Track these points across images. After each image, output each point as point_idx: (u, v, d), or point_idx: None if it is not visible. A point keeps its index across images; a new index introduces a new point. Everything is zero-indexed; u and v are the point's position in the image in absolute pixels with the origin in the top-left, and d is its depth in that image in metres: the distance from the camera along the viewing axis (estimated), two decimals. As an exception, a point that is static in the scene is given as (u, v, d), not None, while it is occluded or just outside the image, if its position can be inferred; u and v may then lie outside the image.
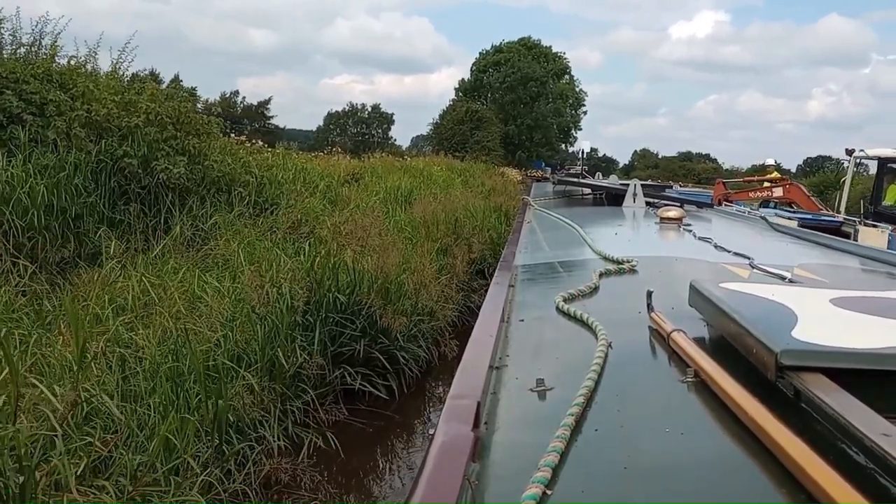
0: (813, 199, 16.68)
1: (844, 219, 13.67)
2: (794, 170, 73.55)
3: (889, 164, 14.41)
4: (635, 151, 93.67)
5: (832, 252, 5.32)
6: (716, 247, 4.72)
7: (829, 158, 78.66)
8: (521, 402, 1.79)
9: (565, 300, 2.79)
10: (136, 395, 4.84)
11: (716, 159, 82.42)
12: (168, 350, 5.29)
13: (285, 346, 6.05)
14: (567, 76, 65.25)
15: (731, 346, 1.91)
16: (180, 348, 5.24)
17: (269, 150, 15.92)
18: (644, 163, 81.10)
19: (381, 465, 6.31)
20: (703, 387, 1.73)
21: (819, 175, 42.05)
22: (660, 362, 2.12)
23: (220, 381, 5.08)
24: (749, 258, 4.05)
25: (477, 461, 1.40)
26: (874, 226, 12.35)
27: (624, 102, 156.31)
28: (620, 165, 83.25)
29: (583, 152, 22.27)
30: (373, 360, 7.02)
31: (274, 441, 5.33)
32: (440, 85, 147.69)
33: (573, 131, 67.22)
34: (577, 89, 66.18)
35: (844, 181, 15.41)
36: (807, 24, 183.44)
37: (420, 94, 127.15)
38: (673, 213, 6.41)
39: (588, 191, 11.17)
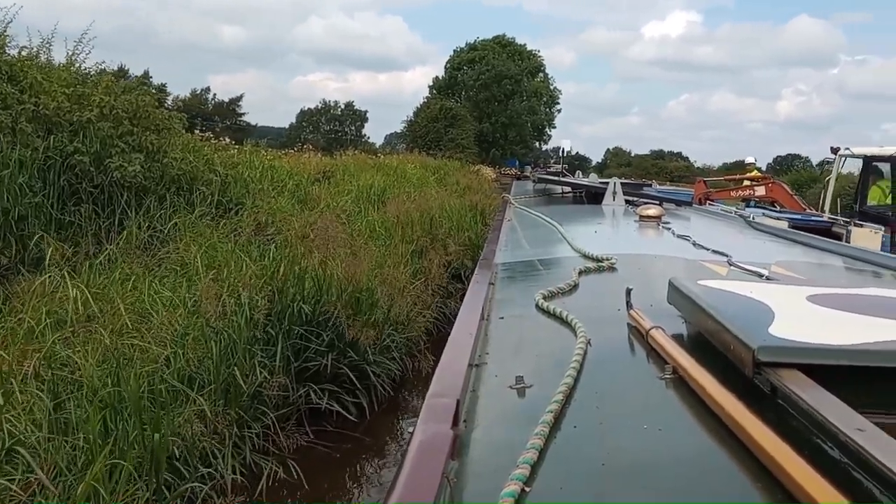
0: (796, 197, 16.18)
1: (831, 218, 13.30)
2: (764, 168, 74.12)
3: (874, 163, 14.05)
4: (608, 150, 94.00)
5: (809, 250, 5.37)
6: (694, 245, 4.74)
7: (799, 157, 79.61)
8: (501, 400, 1.78)
9: (545, 298, 2.79)
10: (70, 426, 4.25)
11: (687, 158, 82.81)
12: (108, 371, 4.70)
13: (243, 364, 5.47)
14: (541, 74, 65.04)
15: (709, 342, 1.92)
16: (121, 369, 4.66)
17: (237, 146, 15.26)
18: (617, 161, 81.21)
19: (349, 494, 5.75)
20: (682, 383, 1.74)
21: (792, 174, 42.11)
22: (638, 359, 2.13)
23: (162, 408, 4.50)
24: (727, 256, 4.06)
25: (456, 459, 1.39)
26: (866, 226, 11.96)
27: (597, 101, 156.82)
28: (594, 164, 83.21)
29: (563, 151, 21.91)
30: (341, 375, 6.46)
31: (228, 474, 4.76)
32: (414, 83, 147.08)
33: (547, 129, 67.14)
34: (552, 87, 66.03)
35: (829, 180, 15.01)
36: (777, 24, 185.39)
37: (394, 92, 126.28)
38: (652, 211, 6.39)
39: (568, 189, 11.07)
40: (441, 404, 1.58)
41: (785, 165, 72.48)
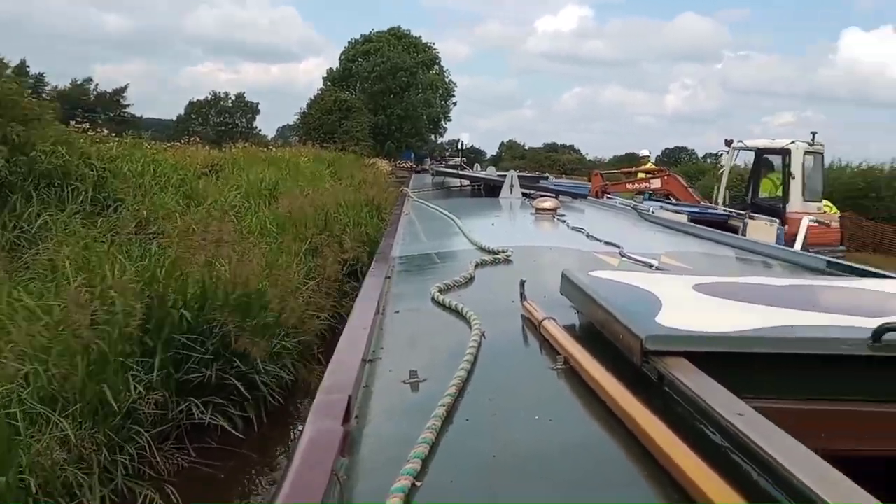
0: (690, 189, 16.11)
1: (726, 211, 13.57)
2: (654, 161, 76.45)
3: (766, 156, 14.38)
4: (503, 142, 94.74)
5: (697, 241, 5.50)
6: (588, 236, 4.80)
7: (686, 150, 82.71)
8: (394, 395, 1.77)
9: (441, 291, 2.78)
10: None
11: (580, 150, 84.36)
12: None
13: (115, 380, 4.96)
14: (437, 67, 65.08)
15: (599, 332, 1.94)
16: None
17: (117, 139, 14.34)
18: (511, 154, 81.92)
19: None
20: (573, 374, 1.76)
21: (680, 166, 43.56)
22: (532, 351, 2.13)
23: (17, 434, 3.97)
24: (619, 247, 4.12)
25: (346, 456, 1.37)
26: (760, 219, 12.25)
27: (492, 94, 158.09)
28: (488, 156, 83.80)
29: (461, 144, 21.94)
30: (227, 387, 6.00)
31: (95, 507, 4.27)
32: (308, 75, 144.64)
33: (443, 122, 67.32)
34: (447, 80, 66.18)
35: (722, 172, 15.18)
36: (664, 20, 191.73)
37: (287, 84, 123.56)
38: (548, 203, 6.45)
39: (467, 182, 11.09)
40: (332, 400, 1.55)
41: (673, 157, 75.10)
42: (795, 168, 13.21)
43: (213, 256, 6.89)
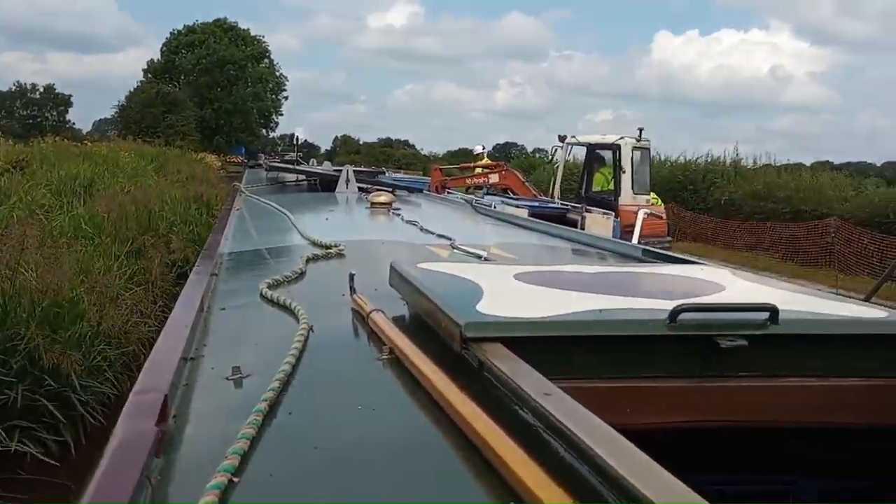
0: (527, 184, 16.49)
1: (563, 205, 14.00)
2: (485, 156, 78.40)
3: (597, 151, 14.96)
4: (337, 137, 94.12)
5: (526, 232, 5.70)
6: (421, 230, 4.86)
7: (516, 145, 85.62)
8: (216, 392, 1.73)
9: (270, 287, 2.72)
10: None
11: (414, 146, 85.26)
12: None
13: None
14: (267, 60, 63.41)
15: (425, 322, 1.97)
16: None
17: None
18: (346, 148, 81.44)
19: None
20: (398, 363, 1.78)
21: (512, 161, 44.70)
22: (359, 343, 2.15)
23: None
24: (451, 239, 4.18)
25: (161, 457, 1.30)
26: (597, 212, 12.68)
27: (324, 89, 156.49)
28: (322, 151, 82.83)
29: (296, 139, 21.39)
30: (38, 408, 5.29)
31: None
32: (127, 67, 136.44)
33: (274, 116, 65.77)
34: (278, 73, 64.65)
35: (558, 167, 15.79)
36: (492, 20, 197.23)
37: (104, 76, 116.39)
38: (383, 198, 6.49)
39: (303, 177, 10.92)
40: (146, 400, 1.49)
41: (504, 153, 77.35)
42: (625, 162, 13.87)
43: (15, 262, 6.09)
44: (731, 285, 2.38)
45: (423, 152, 74.49)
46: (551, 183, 16.03)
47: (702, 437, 1.93)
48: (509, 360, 1.55)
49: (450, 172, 18.53)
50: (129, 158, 20.41)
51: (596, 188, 14.70)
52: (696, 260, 3.89)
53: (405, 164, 50.75)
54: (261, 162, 16.81)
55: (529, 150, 70.44)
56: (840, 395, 1.85)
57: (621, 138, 14.15)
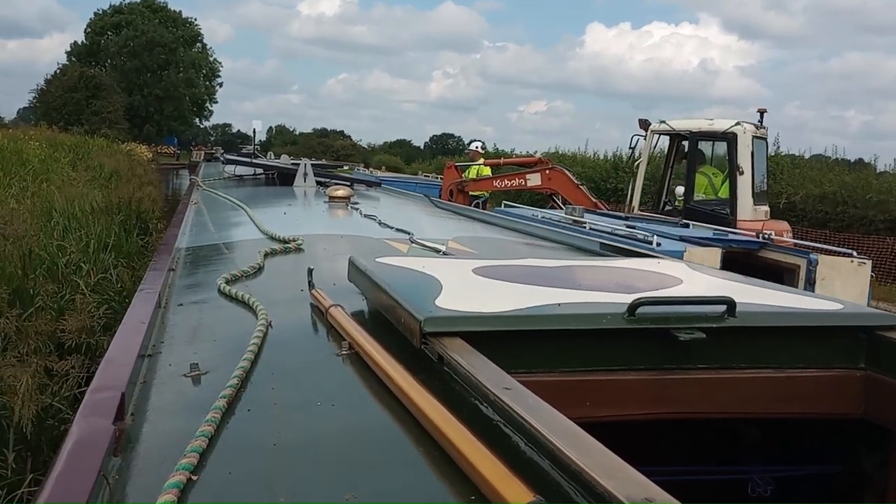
0: (582, 187, 12.04)
1: (748, 233, 7.76)
2: (422, 147, 77.26)
3: (699, 142, 10.41)
4: (271, 128, 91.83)
5: (484, 226, 5.74)
6: (380, 224, 4.84)
7: (452, 136, 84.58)
8: (174, 390, 1.72)
9: (227, 282, 2.71)
10: None
11: (350, 136, 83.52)
12: None
13: None
14: (199, 44, 60.87)
15: (384, 317, 1.97)
16: None
17: None
18: (282, 139, 79.59)
19: None
20: (357, 359, 1.77)
21: (454, 157, 43.41)
22: (318, 338, 2.14)
23: None
24: (410, 234, 4.16)
25: (118, 455, 1.31)
26: (834, 254, 6.95)
27: (256, 78, 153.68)
28: (257, 141, 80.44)
29: (254, 131, 20.18)
30: None
31: None
32: (52, 52, 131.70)
33: (208, 104, 63.23)
34: (212, 59, 62.14)
35: (639, 165, 11.19)
36: (426, 10, 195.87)
37: (28, 63, 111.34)
38: (341, 192, 6.42)
39: (261, 171, 10.71)
40: (102, 398, 1.48)
41: (441, 144, 76.14)
42: (743, 159, 9.64)
43: None
44: (689, 279, 2.41)
45: (360, 143, 72.82)
46: (629, 188, 11.53)
47: (661, 428, 2.03)
48: (469, 354, 1.56)
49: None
50: (38, 149, 18.16)
51: (699, 195, 10.16)
52: (653, 253, 3.92)
53: (344, 156, 49.21)
54: (217, 155, 15.73)
55: (466, 140, 69.49)
56: (795, 386, 1.88)
57: (737, 124, 9.81)
